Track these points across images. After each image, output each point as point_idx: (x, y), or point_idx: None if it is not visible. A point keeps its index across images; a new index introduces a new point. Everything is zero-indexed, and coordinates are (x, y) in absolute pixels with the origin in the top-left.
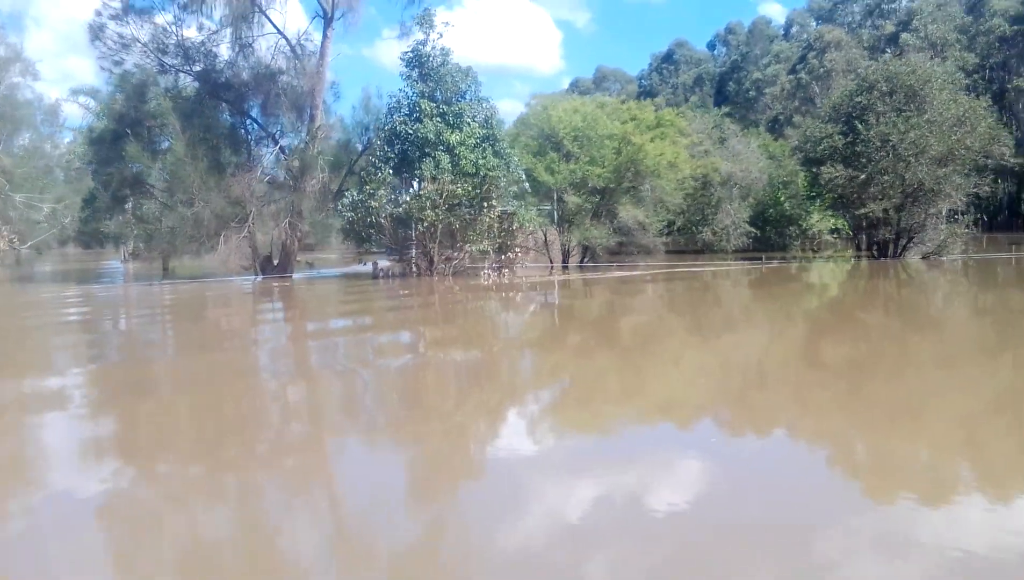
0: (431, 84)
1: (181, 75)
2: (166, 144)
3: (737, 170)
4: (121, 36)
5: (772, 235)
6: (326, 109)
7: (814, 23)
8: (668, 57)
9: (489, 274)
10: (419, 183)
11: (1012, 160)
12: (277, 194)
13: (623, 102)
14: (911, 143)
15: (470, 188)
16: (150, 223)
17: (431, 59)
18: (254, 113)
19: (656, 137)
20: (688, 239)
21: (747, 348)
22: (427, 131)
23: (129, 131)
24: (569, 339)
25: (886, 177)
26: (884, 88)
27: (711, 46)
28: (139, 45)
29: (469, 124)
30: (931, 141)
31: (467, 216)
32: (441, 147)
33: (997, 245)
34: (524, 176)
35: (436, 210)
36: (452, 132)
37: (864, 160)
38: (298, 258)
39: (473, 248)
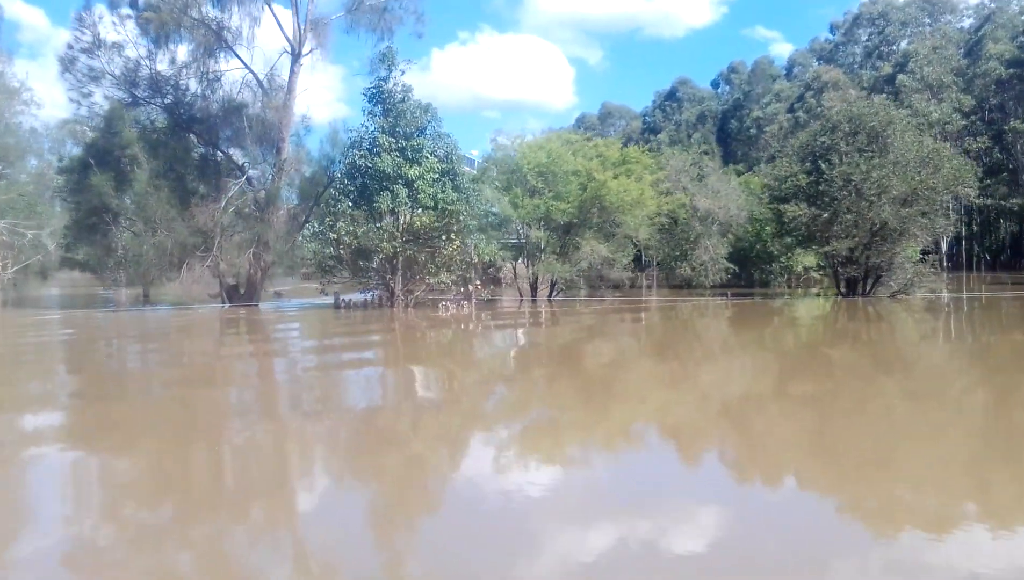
0: (391, 119)
1: (152, 107)
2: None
3: (715, 207)
4: (91, 69)
5: (755, 272)
6: (298, 141)
7: (816, 63)
8: (671, 95)
9: (448, 306)
10: (377, 216)
11: (1012, 201)
12: (242, 225)
13: (621, 140)
14: (874, 183)
15: (428, 221)
16: (117, 251)
17: (392, 95)
18: (222, 145)
19: (622, 174)
20: (668, 274)
21: (670, 375)
22: (385, 165)
23: (92, 161)
24: (504, 365)
25: (849, 216)
26: (847, 129)
27: (715, 84)
28: (109, 78)
29: (428, 158)
30: (894, 181)
31: (426, 249)
32: (400, 181)
33: (999, 284)
34: (486, 210)
35: (393, 242)
36: (411, 166)
37: (827, 199)
38: (273, 289)
39: (432, 280)
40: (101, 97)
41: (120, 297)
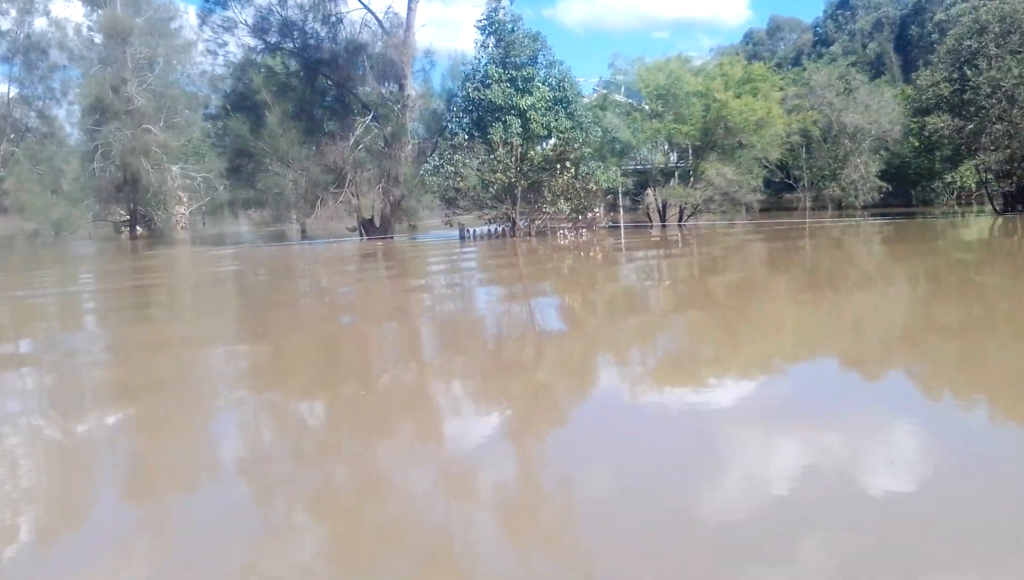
0: (501, 50)
1: (282, 52)
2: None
3: (865, 122)
4: (226, 19)
5: (915, 190)
6: (423, 76)
7: None
8: (844, 2)
9: (566, 234)
10: (492, 147)
11: None
12: (371, 161)
13: (792, 54)
14: None
15: (541, 150)
16: (262, 191)
17: (503, 25)
18: (348, 84)
19: (746, 93)
20: (816, 195)
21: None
22: (495, 96)
23: (229, 108)
24: (615, 290)
25: (998, 126)
26: (997, 29)
27: None
28: (243, 27)
29: (539, 88)
30: None
31: (543, 178)
32: (512, 111)
33: None
34: (608, 137)
35: (507, 173)
36: (522, 96)
37: (973, 108)
38: (408, 221)
39: (550, 209)
40: (235, 46)
41: (286, 232)
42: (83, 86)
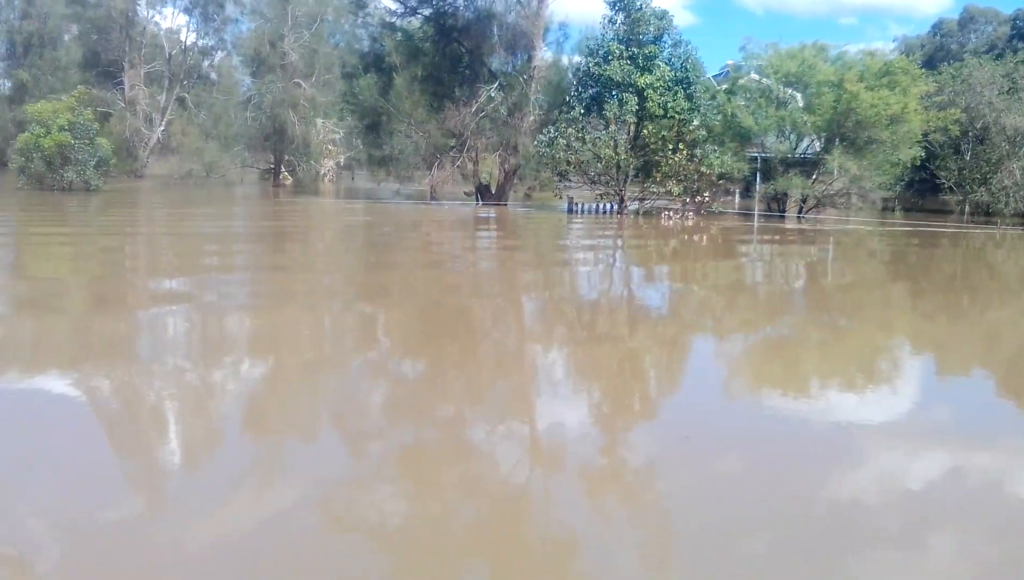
0: (626, 27)
1: (419, 16)
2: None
3: None
4: None
5: None
6: (556, 47)
7: None
8: None
9: (670, 215)
10: (606, 123)
11: None
12: (492, 128)
13: (984, 48)
14: None
15: (654, 130)
16: (386, 150)
17: (632, 2)
18: (477, 52)
19: (882, 86)
20: (963, 200)
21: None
22: (613, 72)
23: (362, 69)
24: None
25: None
26: None
27: None
28: None
29: (660, 67)
30: None
31: (655, 158)
32: (631, 89)
33: None
34: (729, 121)
35: (618, 150)
36: (642, 74)
37: None
38: (526, 191)
39: (658, 189)
40: (375, 8)
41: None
42: (245, 39)
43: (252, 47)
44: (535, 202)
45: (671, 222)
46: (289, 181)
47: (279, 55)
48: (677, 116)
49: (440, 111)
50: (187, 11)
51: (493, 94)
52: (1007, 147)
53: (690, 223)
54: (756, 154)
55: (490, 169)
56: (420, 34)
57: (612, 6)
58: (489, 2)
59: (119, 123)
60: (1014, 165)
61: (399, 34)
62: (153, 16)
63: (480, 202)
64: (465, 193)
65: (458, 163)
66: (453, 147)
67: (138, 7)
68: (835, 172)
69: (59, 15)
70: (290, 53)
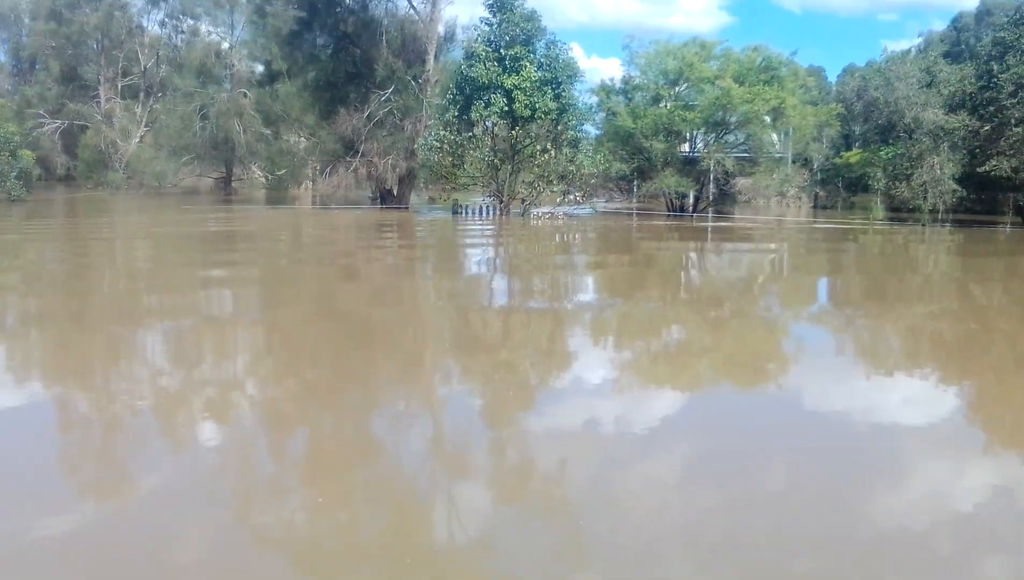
0: (496, 29)
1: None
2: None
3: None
4: None
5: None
6: (446, 53)
7: None
8: None
9: (539, 216)
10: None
11: None
12: (383, 134)
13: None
14: None
15: (525, 131)
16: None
17: (508, 4)
18: (371, 59)
19: (765, 82)
20: (885, 196)
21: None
22: (478, 74)
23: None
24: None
25: (1018, 129)
26: None
27: None
28: None
29: (526, 68)
30: None
31: (526, 159)
32: (499, 90)
33: None
34: (600, 121)
35: (484, 152)
36: (509, 76)
37: (992, 108)
38: (428, 193)
39: (524, 191)
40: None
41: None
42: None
43: (198, 58)
44: (440, 205)
45: (539, 222)
46: (237, 190)
47: (223, 65)
48: (545, 116)
49: (332, 117)
50: (161, 24)
51: (389, 98)
52: (928, 142)
53: (560, 222)
54: (642, 153)
55: (384, 173)
56: (318, 41)
57: (489, 8)
58: (382, 10)
59: (95, 136)
60: (935, 161)
61: (293, 41)
62: (127, 30)
63: (381, 206)
64: (370, 197)
65: (352, 168)
66: (347, 152)
67: (113, 21)
68: (711, 169)
69: (39, 31)
70: (236, 64)
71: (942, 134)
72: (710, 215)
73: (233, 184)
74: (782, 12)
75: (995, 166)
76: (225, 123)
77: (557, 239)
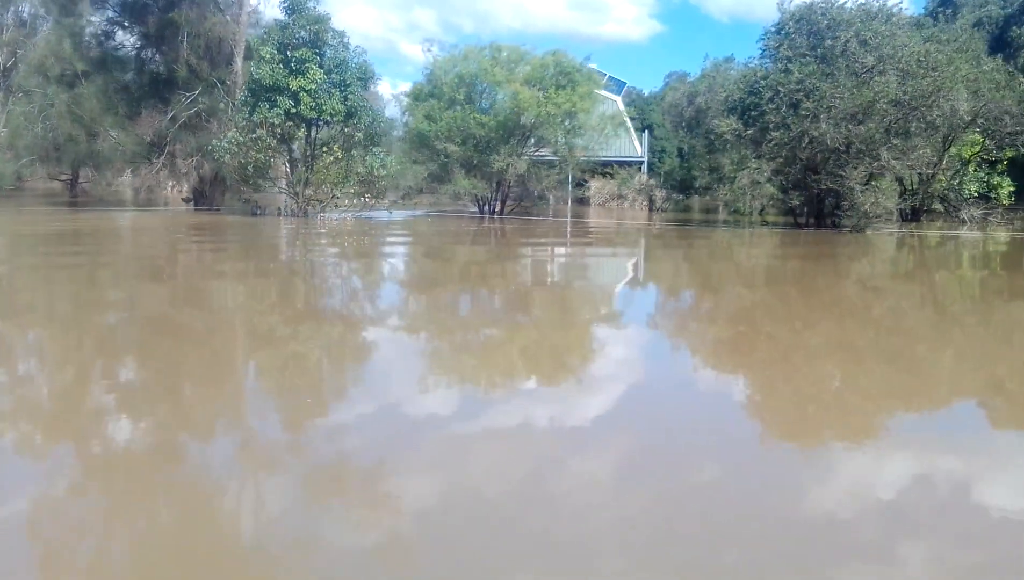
0: (285, 31)
1: (116, 26)
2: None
3: None
4: None
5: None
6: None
7: None
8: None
9: (323, 218)
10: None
11: None
12: (189, 135)
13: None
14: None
15: (303, 133)
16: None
17: (298, 5)
18: (175, 60)
19: (564, 86)
20: (711, 200)
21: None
22: (262, 75)
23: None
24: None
25: (776, 133)
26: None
27: None
28: None
29: (312, 69)
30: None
31: (306, 160)
32: (286, 92)
33: None
34: (408, 126)
35: (267, 154)
36: (295, 78)
37: (755, 113)
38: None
39: (309, 191)
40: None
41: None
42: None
43: (38, 57)
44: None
45: (323, 224)
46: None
47: (63, 64)
48: (333, 118)
49: (135, 118)
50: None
51: (196, 99)
52: (748, 148)
53: (348, 225)
54: (442, 156)
55: (190, 175)
56: (123, 41)
57: (284, 10)
58: (185, 11)
59: None
60: (754, 164)
61: (91, 41)
62: None
63: (194, 208)
64: (183, 199)
65: (156, 170)
66: (151, 154)
67: None
68: (507, 170)
69: None
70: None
71: (713, 138)
72: (507, 216)
73: (82, 185)
74: (710, 21)
75: (757, 166)
76: (63, 124)
77: (295, 245)
